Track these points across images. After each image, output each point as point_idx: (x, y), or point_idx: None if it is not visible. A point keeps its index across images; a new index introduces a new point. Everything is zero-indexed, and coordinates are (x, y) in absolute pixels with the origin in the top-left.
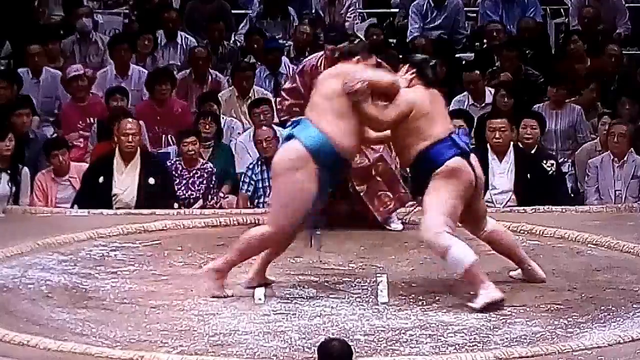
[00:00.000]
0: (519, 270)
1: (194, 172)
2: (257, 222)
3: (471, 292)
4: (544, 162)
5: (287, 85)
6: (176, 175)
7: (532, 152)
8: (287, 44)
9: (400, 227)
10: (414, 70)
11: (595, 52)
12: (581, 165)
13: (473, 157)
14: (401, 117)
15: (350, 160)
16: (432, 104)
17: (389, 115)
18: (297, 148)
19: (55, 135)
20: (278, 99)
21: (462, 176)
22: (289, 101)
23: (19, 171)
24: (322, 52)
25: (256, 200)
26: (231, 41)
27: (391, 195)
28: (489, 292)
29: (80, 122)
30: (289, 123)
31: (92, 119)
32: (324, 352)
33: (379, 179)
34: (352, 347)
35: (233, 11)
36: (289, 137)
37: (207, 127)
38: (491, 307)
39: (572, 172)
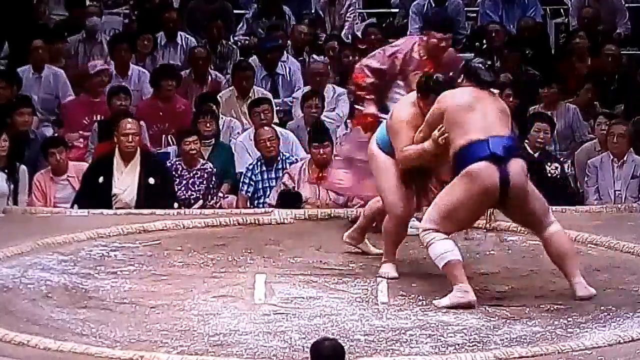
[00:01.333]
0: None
1: (194, 172)
2: (257, 222)
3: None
4: (548, 165)
5: (373, 63)
6: (176, 175)
7: (537, 155)
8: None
9: None
10: (464, 71)
11: (594, 52)
12: (581, 166)
13: (515, 162)
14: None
15: None
16: (477, 104)
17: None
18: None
19: (56, 135)
20: (359, 74)
21: (476, 181)
22: (372, 80)
23: (17, 169)
24: (411, 38)
25: (256, 201)
26: (230, 41)
27: None
28: (457, 295)
29: (87, 118)
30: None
31: (98, 116)
32: (316, 352)
33: None
34: (352, 346)
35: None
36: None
37: (207, 125)
38: (459, 307)
39: (572, 173)
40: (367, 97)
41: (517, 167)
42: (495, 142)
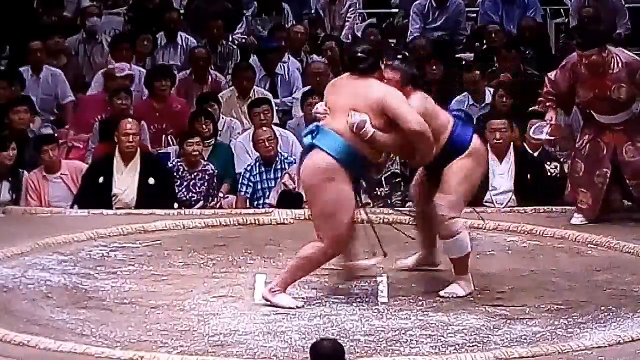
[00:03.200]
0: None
1: (195, 173)
2: (257, 222)
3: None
4: (548, 164)
5: (551, 75)
6: (177, 176)
7: (537, 154)
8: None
9: None
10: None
11: None
12: None
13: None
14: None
15: (375, 160)
16: (428, 101)
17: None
18: (323, 158)
19: (53, 133)
20: (544, 89)
21: (483, 159)
22: (547, 89)
23: (20, 178)
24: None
25: (255, 202)
26: (229, 41)
27: None
28: (468, 284)
29: (98, 116)
30: (305, 131)
31: (101, 116)
32: (316, 352)
33: None
34: (352, 346)
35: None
36: (311, 147)
37: (204, 126)
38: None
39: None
40: (547, 104)
41: None
42: (460, 114)
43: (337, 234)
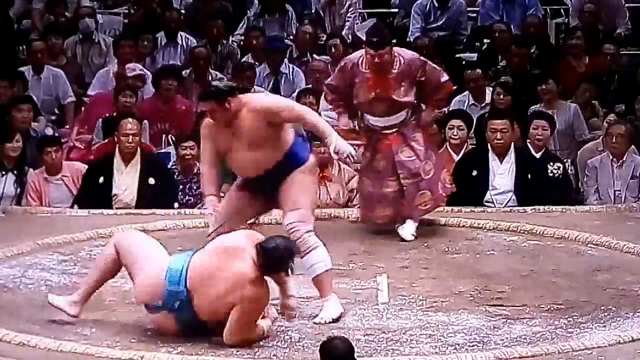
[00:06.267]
0: None
1: (191, 176)
2: (257, 222)
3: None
4: (551, 164)
5: (329, 80)
6: (177, 178)
7: (539, 155)
8: (288, 42)
9: (411, 238)
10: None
11: (594, 51)
12: (582, 164)
13: None
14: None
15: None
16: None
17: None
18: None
19: (56, 135)
20: (324, 93)
21: (316, 173)
22: (331, 96)
23: (25, 172)
24: (361, 51)
25: None
26: (230, 41)
27: (431, 196)
28: (337, 305)
29: (106, 114)
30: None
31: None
32: (328, 352)
33: (425, 177)
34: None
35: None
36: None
37: None
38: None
39: (572, 172)
40: (336, 111)
41: None
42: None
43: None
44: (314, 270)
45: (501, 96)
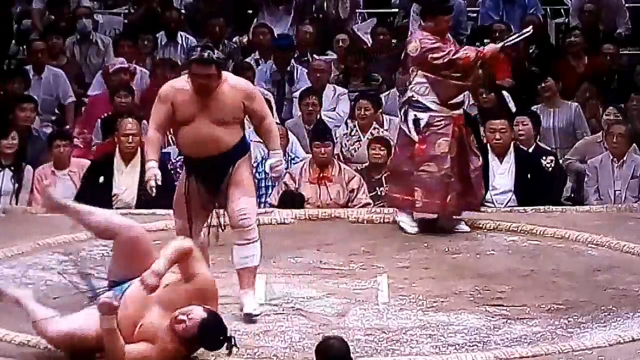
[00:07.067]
0: None
1: None
2: (257, 221)
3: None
4: (544, 159)
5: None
6: (177, 177)
7: (530, 150)
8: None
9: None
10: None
11: (594, 51)
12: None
13: None
14: None
15: None
16: None
17: None
18: None
19: (67, 128)
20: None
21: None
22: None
23: (22, 168)
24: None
25: (258, 200)
26: (233, 40)
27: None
28: (255, 298)
29: (105, 113)
30: None
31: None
32: (324, 352)
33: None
34: (352, 346)
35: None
36: None
37: None
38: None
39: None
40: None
41: None
42: None
43: None
44: (248, 261)
45: (483, 95)
